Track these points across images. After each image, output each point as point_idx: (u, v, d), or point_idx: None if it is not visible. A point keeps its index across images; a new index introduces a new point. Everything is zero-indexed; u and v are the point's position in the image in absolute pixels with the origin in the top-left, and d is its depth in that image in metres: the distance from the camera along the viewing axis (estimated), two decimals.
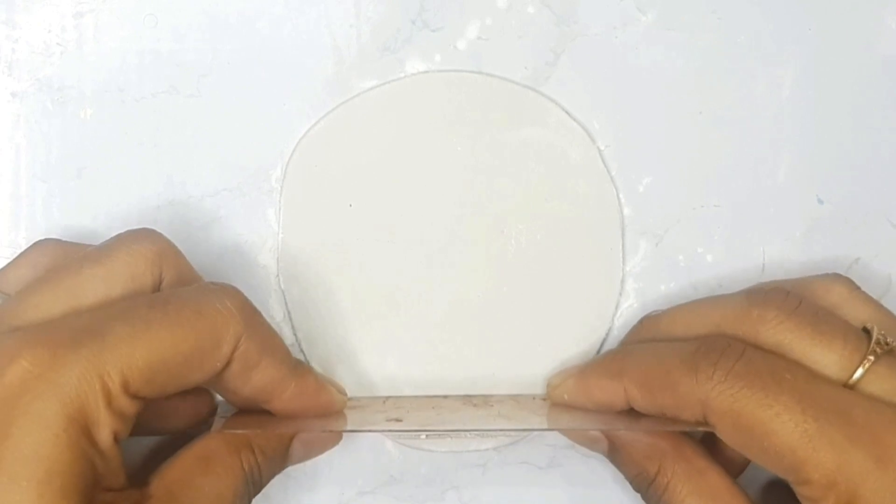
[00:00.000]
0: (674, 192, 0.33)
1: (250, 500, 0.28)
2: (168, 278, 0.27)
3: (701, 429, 0.27)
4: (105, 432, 0.24)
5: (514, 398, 0.32)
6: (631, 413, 0.29)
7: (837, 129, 0.33)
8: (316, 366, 0.32)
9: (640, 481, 0.29)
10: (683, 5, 0.33)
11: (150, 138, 0.32)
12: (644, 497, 0.30)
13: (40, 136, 0.32)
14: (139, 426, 0.26)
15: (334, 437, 0.31)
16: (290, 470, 0.32)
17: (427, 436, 0.32)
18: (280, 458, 0.29)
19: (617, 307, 0.33)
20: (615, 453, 0.30)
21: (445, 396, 0.32)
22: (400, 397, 0.32)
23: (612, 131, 0.33)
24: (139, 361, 0.24)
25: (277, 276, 0.32)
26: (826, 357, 0.27)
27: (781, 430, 0.25)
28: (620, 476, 0.32)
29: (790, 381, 0.26)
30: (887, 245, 0.33)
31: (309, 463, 0.32)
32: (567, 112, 0.33)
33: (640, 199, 0.33)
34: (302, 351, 0.32)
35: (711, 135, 0.33)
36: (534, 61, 0.33)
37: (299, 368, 0.28)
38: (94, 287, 0.26)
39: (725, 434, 0.27)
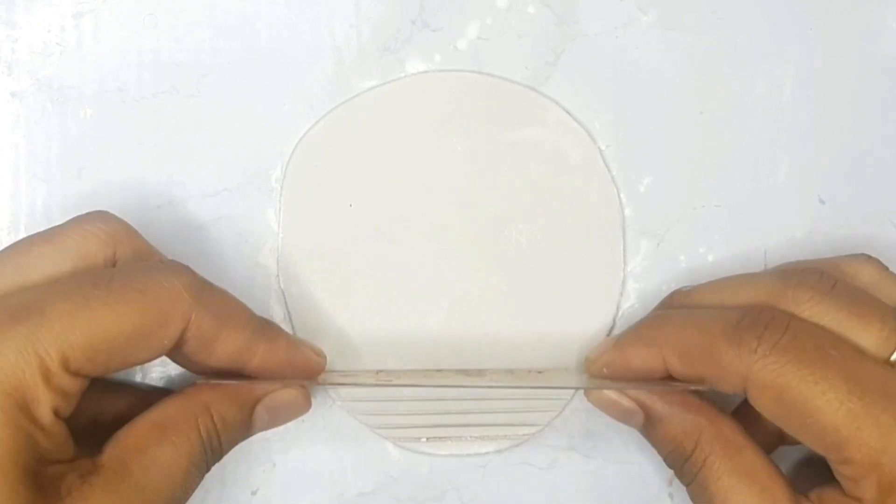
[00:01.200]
0: (674, 192, 0.33)
1: (209, 468, 0.28)
2: (123, 259, 0.27)
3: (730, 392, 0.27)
4: (44, 409, 0.24)
5: (510, 371, 0.32)
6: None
7: (837, 129, 0.33)
8: None
9: (676, 457, 0.29)
10: (684, 5, 0.33)
11: (150, 138, 0.32)
12: (678, 474, 0.29)
13: (40, 136, 0.32)
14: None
15: (302, 404, 0.30)
16: (290, 469, 0.32)
17: (428, 438, 0.32)
18: (242, 425, 0.28)
19: (618, 308, 0.33)
20: (650, 427, 0.29)
21: (439, 370, 0.32)
22: (392, 370, 0.32)
23: (613, 131, 0.33)
24: (79, 339, 0.24)
25: (277, 276, 0.32)
26: (864, 338, 0.26)
27: (826, 408, 0.25)
28: (621, 476, 0.32)
29: (836, 357, 0.25)
30: (888, 245, 0.33)
31: (308, 463, 0.32)
32: (567, 112, 0.33)
33: (640, 200, 0.33)
34: None
35: (712, 135, 0.33)
36: (534, 61, 0.33)
37: (267, 331, 0.28)
38: (42, 265, 0.26)
39: (765, 407, 0.26)
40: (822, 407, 0.25)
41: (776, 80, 0.33)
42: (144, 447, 0.26)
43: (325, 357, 0.30)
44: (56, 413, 0.24)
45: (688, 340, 0.28)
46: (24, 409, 0.24)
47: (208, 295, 0.26)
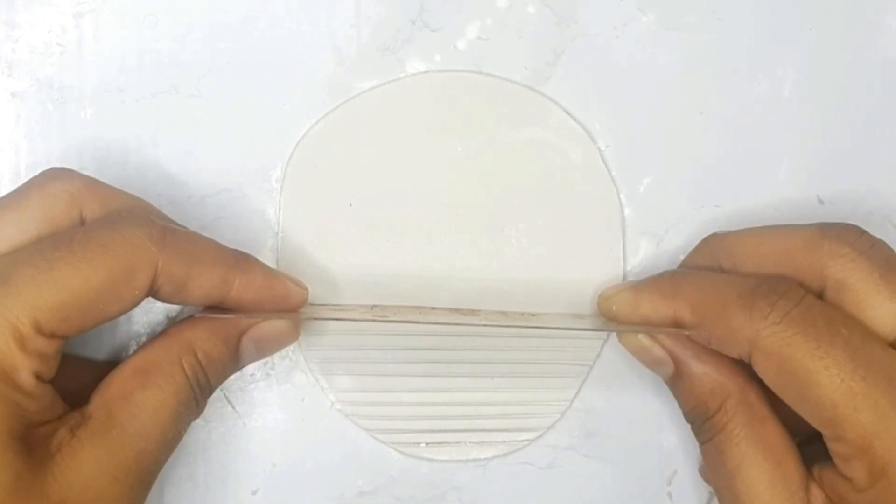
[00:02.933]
0: (674, 192, 0.33)
1: (199, 405, 0.28)
2: (91, 216, 0.27)
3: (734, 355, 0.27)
4: (25, 374, 0.24)
5: (503, 312, 0.32)
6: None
7: (837, 130, 0.33)
8: (315, 365, 0.32)
9: (697, 415, 0.29)
10: (684, 5, 0.33)
11: (150, 138, 0.32)
12: (696, 432, 0.29)
13: (40, 136, 0.32)
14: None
15: (290, 334, 0.30)
16: (290, 469, 0.32)
17: (427, 444, 0.32)
18: (229, 360, 0.29)
19: None
20: (678, 380, 0.29)
21: (434, 308, 0.32)
22: (387, 306, 0.32)
23: (613, 131, 0.33)
24: (48, 302, 0.24)
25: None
26: (885, 307, 0.26)
27: (827, 383, 0.25)
28: (621, 476, 0.32)
29: (845, 335, 0.25)
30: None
31: (309, 462, 0.32)
32: (567, 112, 0.33)
33: (640, 200, 0.33)
34: (301, 351, 0.32)
35: (711, 135, 0.33)
36: (534, 61, 0.33)
37: (242, 264, 0.28)
38: (8, 233, 0.26)
39: (767, 375, 0.27)
40: (822, 382, 0.25)
41: (776, 80, 0.33)
42: (129, 393, 0.26)
43: (307, 289, 0.30)
44: (38, 377, 0.25)
45: (703, 298, 0.28)
46: (4, 377, 0.24)
47: (172, 239, 0.26)
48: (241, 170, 0.32)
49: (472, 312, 0.32)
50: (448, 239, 0.32)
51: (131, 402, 0.26)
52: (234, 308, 0.28)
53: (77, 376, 0.27)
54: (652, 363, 0.30)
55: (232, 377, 0.32)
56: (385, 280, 0.32)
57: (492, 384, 0.32)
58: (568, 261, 0.32)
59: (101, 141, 0.32)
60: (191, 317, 0.28)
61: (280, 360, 0.32)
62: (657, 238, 0.33)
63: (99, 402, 0.26)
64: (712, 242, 0.31)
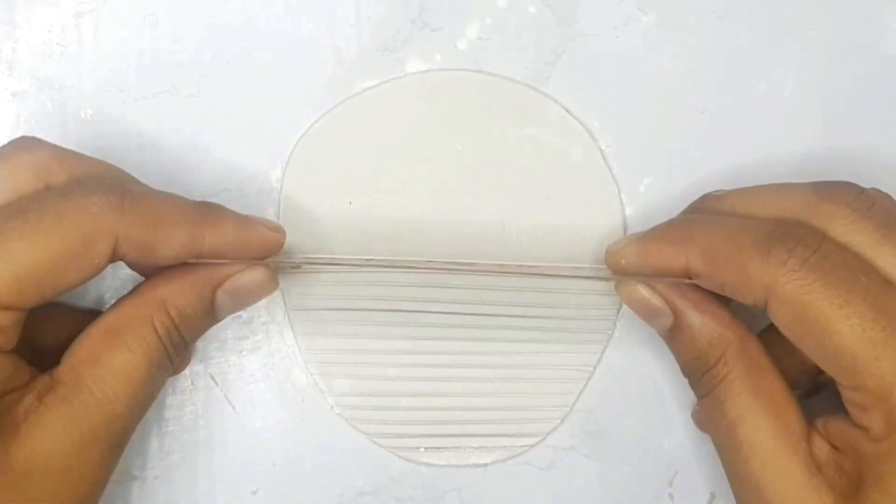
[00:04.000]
0: (674, 192, 0.33)
1: (174, 363, 0.28)
2: (59, 185, 0.26)
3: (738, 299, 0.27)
4: None
5: (500, 265, 0.31)
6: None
7: (837, 129, 0.33)
8: (314, 368, 0.32)
9: (696, 367, 0.28)
10: (684, 5, 0.33)
11: (150, 138, 0.32)
12: (694, 384, 0.29)
13: (40, 136, 0.31)
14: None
15: (267, 284, 0.29)
16: (290, 469, 0.32)
17: (426, 448, 0.32)
18: (204, 314, 0.28)
19: (619, 308, 0.33)
20: (676, 332, 0.29)
21: (428, 261, 0.32)
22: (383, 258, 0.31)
23: (613, 131, 0.33)
24: (2, 275, 0.24)
25: (277, 275, 0.32)
26: (892, 264, 0.26)
27: (847, 332, 0.25)
28: (621, 477, 0.32)
29: (864, 283, 0.25)
30: None
31: (309, 462, 0.32)
32: (568, 110, 0.33)
33: (640, 200, 0.33)
34: (300, 352, 0.32)
35: (712, 135, 0.33)
36: (534, 61, 0.33)
37: (210, 216, 0.27)
38: None
39: (783, 322, 0.26)
40: (843, 331, 0.25)
41: (776, 80, 0.33)
42: (98, 356, 0.26)
43: (283, 232, 0.29)
44: None
45: (716, 244, 0.27)
46: None
47: (132, 204, 0.25)
48: (241, 170, 0.32)
49: (470, 267, 0.31)
50: (448, 237, 0.32)
51: (100, 364, 0.25)
52: (211, 260, 0.27)
53: (57, 329, 0.27)
54: (650, 315, 0.29)
55: (232, 378, 0.32)
56: (385, 278, 0.32)
57: (491, 389, 0.32)
58: (569, 260, 0.32)
59: (101, 141, 0.32)
60: (164, 271, 0.27)
61: (281, 361, 0.32)
62: None
63: (67, 366, 0.26)
64: (708, 202, 0.30)
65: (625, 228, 0.33)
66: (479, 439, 0.32)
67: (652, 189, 0.33)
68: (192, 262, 0.27)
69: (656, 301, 0.29)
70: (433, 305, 0.32)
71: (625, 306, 0.32)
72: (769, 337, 0.28)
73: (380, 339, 0.32)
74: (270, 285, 0.29)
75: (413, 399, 0.32)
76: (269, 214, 0.32)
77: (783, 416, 0.27)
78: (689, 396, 0.32)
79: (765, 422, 0.27)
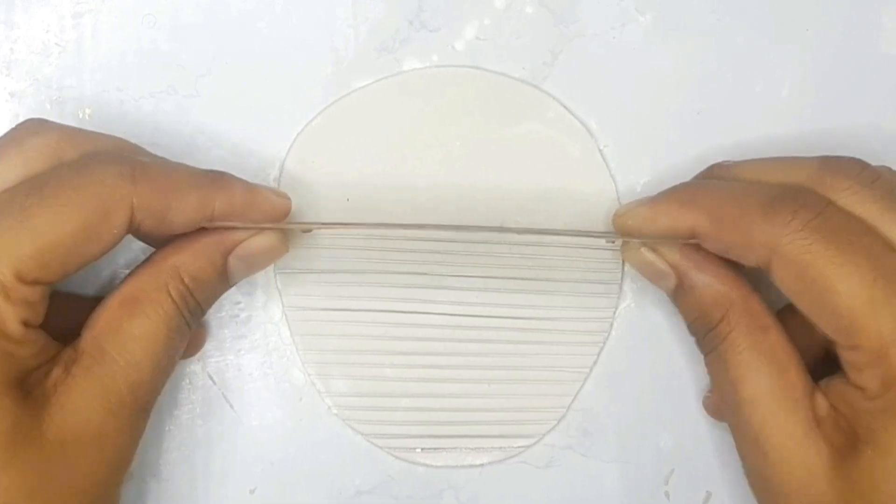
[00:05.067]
0: None
1: (192, 328, 0.28)
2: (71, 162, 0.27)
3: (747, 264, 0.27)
4: (12, 323, 0.25)
5: (504, 227, 0.32)
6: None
7: (836, 130, 0.33)
8: (311, 368, 0.32)
9: (700, 326, 0.29)
10: (682, 6, 0.33)
11: (150, 138, 0.32)
12: (699, 343, 0.29)
13: None
14: None
15: (278, 248, 0.29)
16: (288, 468, 0.32)
17: (422, 449, 0.32)
18: (218, 280, 0.28)
19: (616, 308, 0.33)
20: (681, 292, 0.29)
21: (437, 224, 0.32)
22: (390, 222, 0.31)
23: (611, 131, 0.33)
24: (26, 250, 0.24)
25: (275, 275, 0.32)
26: (893, 233, 0.26)
27: (846, 291, 0.25)
28: (618, 475, 0.32)
29: (866, 244, 0.25)
30: None
31: (307, 461, 0.32)
32: (565, 106, 0.33)
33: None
34: (298, 353, 0.32)
35: (710, 135, 0.33)
36: (532, 61, 0.33)
37: (219, 182, 0.28)
38: None
39: (785, 283, 0.26)
40: (842, 290, 0.25)
41: (775, 80, 0.33)
42: (117, 325, 0.26)
43: (289, 199, 0.29)
44: (25, 324, 0.25)
45: (722, 206, 0.28)
46: None
47: (143, 173, 0.26)
48: (240, 169, 0.32)
49: (476, 228, 0.31)
50: (446, 234, 0.32)
51: (121, 333, 0.26)
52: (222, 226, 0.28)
53: (71, 313, 0.27)
54: (655, 277, 0.30)
55: (230, 376, 0.32)
56: (383, 280, 0.32)
57: (488, 390, 0.32)
58: (566, 259, 0.32)
59: None
60: (175, 240, 0.28)
61: (278, 360, 0.32)
62: None
63: (89, 337, 0.26)
64: (717, 171, 0.31)
65: None
66: (475, 440, 0.32)
67: (649, 188, 0.33)
68: (204, 227, 0.28)
69: (661, 264, 0.29)
70: (431, 307, 0.32)
71: (620, 306, 0.33)
72: (783, 315, 0.28)
73: (377, 339, 0.32)
74: (281, 249, 0.30)
75: (410, 400, 0.32)
76: None
77: (785, 374, 0.27)
78: (686, 396, 0.33)
79: (766, 379, 0.27)
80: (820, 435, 0.26)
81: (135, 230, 0.26)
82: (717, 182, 0.30)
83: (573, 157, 0.33)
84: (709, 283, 0.28)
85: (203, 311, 0.29)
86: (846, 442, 0.26)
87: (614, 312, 0.33)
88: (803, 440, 0.26)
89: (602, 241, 0.32)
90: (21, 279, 0.25)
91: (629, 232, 0.30)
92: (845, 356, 0.26)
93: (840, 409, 0.27)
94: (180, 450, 0.32)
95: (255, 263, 0.29)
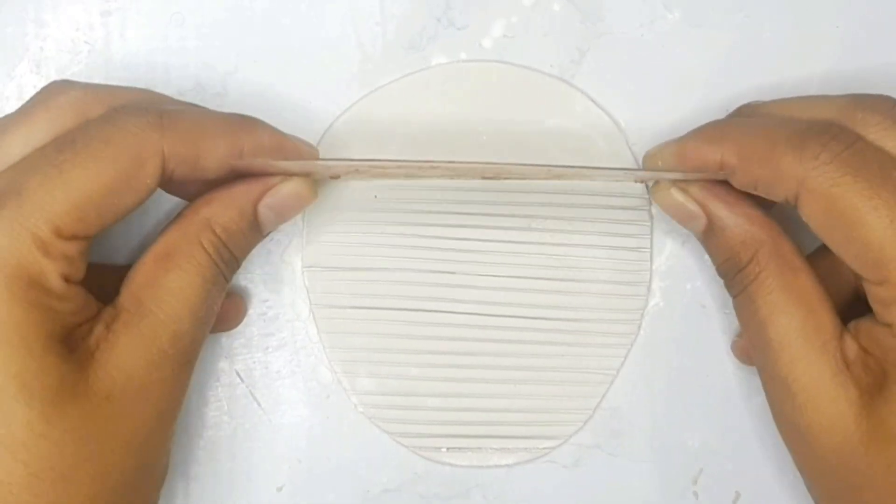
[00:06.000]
0: None
1: (228, 279, 0.29)
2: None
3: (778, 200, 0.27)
4: (53, 278, 0.25)
5: (537, 166, 0.31)
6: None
7: None
8: (338, 366, 0.32)
9: (730, 267, 0.29)
10: (710, 3, 0.33)
11: None
12: (728, 284, 0.29)
13: None
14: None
15: (306, 194, 0.29)
16: (315, 466, 0.32)
17: (448, 448, 0.32)
18: (249, 230, 0.29)
19: (644, 308, 0.33)
20: (710, 234, 0.29)
21: (468, 162, 0.31)
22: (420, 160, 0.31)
23: (639, 129, 0.33)
24: (62, 206, 0.25)
25: (302, 273, 0.32)
26: None
27: (876, 224, 0.25)
28: (646, 475, 0.32)
29: None
30: None
31: (334, 459, 0.32)
32: (593, 101, 0.32)
33: None
34: (324, 349, 0.32)
35: None
36: (559, 59, 0.33)
37: (248, 126, 0.28)
38: (18, 150, 0.26)
39: (813, 217, 0.26)
40: (871, 223, 0.25)
41: (803, 77, 0.33)
42: (154, 280, 0.27)
43: (316, 148, 0.30)
44: (66, 279, 0.25)
45: (751, 141, 0.27)
46: (34, 284, 0.24)
47: (171, 121, 0.26)
48: None
49: (504, 170, 0.31)
50: (474, 233, 0.32)
51: (158, 287, 0.27)
52: (253, 171, 0.28)
53: (107, 281, 0.28)
54: (685, 218, 0.30)
55: (258, 374, 0.32)
56: (410, 277, 0.32)
57: (514, 390, 0.32)
58: (595, 258, 0.32)
59: None
60: (204, 194, 0.28)
61: (306, 358, 0.32)
62: (682, 237, 0.33)
63: (127, 294, 0.27)
64: (745, 110, 0.31)
65: (651, 224, 0.32)
66: (501, 441, 0.32)
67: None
68: (235, 177, 0.28)
69: (690, 204, 0.29)
70: (457, 306, 0.32)
71: (650, 303, 0.32)
72: (812, 259, 0.28)
73: (403, 338, 0.32)
74: (310, 195, 0.30)
75: (435, 399, 0.32)
76: None
77: (814, 315, 0.27)
78: (715, 395, 0.32)
79: (795, 320, 0.27)
80: (849, 376, 0.26)
81: (168, 178, 0.27)
82: (747, 119, 0.30)
83: (602, 153, 0.32)
84: (739, 223, 0.28)
85: (238, 262, 0.29)
86: (875, 382, 0.26)
87: (642, 312, 0.33)
88: (832, 381, 0.26)
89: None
90: (60, 234, 0.25)
91: (658, 170, 0.30)
92: (873, 292, 0.26)
93: (869, 350, 0.27)
94: (207, 448, 0.32)
95: (285, 211, 0.29)
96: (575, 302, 0.32)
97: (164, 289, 0.27)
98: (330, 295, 0.32)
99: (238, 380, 0.32)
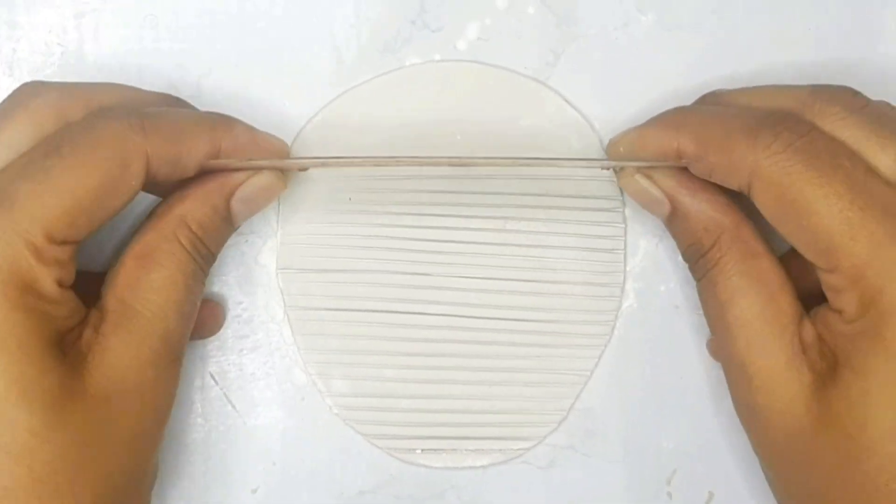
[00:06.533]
0: None
1: (206, 273, 0.29)
2: (78, 119, 0.27)
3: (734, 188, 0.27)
4: (47, 283, 0.25)
5: (503, 158, 0.31)
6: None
7: None
8: (312, 368, 0.32)
9: (693, 251, 0.29)
10: (684, 6, 0.33)
11: None
12: (692, 269, 0.30)
13: None
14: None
15: (276, 185, 0.30)
16: (290, 468, 0.32)
17: (423, 450, 0.32)
18: (222, 223, 0.29)
19: (618, 309, 0.33)
20: (675, 219, 0.30)
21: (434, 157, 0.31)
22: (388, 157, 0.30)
23: (612, 130, 0.32)
24: (53, 211, 0.25)
25: (276, 275, 0.32)
26: (880, 160, 0.26)
27: (825, 212, 0.25)
28: (620, 476, 0.32)
29: (847, 168, 0.26)
30: None
31: (308, 461, 0.32)
32: (566, 100, 0.33)
33: None
34: (299, 351, 0.32)
35: None
36: (534, 62, 0.33)
37: (221, 123, 0.29)
38: (1, 155, 0.26)
39: (766, 206, 0.27)
40: (821, 211, 0.25)
41: (775, 79, 0.33)
42: (136, 280, 0.27)
43: (285, 142, 0.30)
44: (59, 283, 0.25)
45: (707, 129, 0.28)
46: (29, 290, 0.25)
47: (152, 123, 0.27)
48: None
49: (470, 161, 0.31)
50: (448, 234, 0.32)
51: (141, 287, 0.27)
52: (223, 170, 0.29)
53: (87, 287, 0.28)
54: (649, 204, 0.30)
55: (232, 376, 0.32)
56: (384, 279, 0.32)
57: (489, 392, 0.32)
58: (569, 261, 0.32)
59: None
60: (176, 191, 0.28)
61: (280, 360, 0.32)
62: (656, 238, 0.33)
63: (111, 296, 0.27)
64: (709, 98, 0.31)
65: (625, 226, 0.33)
66: (475, 442, 0.32)
67: None
68: (205, 173, 0.28)
69: (654, 190, 0.30)
70: (432, 307, 0.32)
71: (623, 305, 0.33)
72: (785, 259, 0.29)
73: (378, 340, 0.32)
74: (279, 186, 0.30)
75: (410, 401, 0.32)
76: (270, 214, 0.32)
77: (773, 300, 0.27)
78: (689, 396, 0.33)
79: (754, 304, 0.27)
80: (804, 361, 0.27)
81: (152, 179, 0.27)
82: (706, 107, 0.30)
83: (575, 153, 0.32)
84: (702, 209, 0.29)
85: (213, 256, 0.29)
86: (828, 368, 0.26)
87: (616, 314, 0.33)
88: (787, 365, 0.27)
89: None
90: (52, 240, 0.25)
91: (620, 157, 0.30)
92: (825, 280, 0.26)
93: (824, 337, 0.27)
94: (182, 450, 0.32)
95: (257, 203, 0.30)
96: (549, 303, 0.32)
97: (147, 288, 0.27)
98: (304, 297, 0.32)
99: (212, 382, 0.32)
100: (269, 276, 0.32)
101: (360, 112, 0.32)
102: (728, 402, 0.31)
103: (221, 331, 0.32)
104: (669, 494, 0.33)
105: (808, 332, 0.27)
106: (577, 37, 0.33)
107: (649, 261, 0.33)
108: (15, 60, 0.32)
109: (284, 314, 0.32)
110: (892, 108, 0.28)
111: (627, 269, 0.33)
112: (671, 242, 0.32)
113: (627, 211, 0.33)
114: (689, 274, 0.31)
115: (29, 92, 0.28)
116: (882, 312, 0.25)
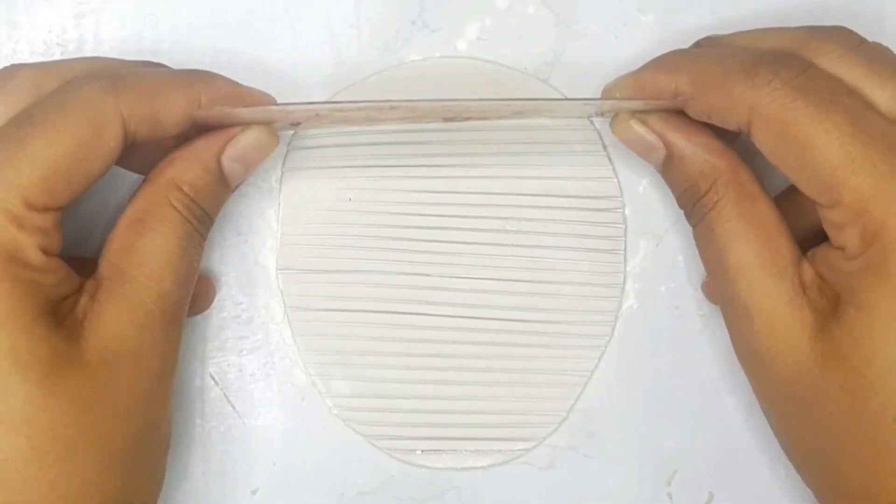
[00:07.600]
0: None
1: (204, 236, 0.29)
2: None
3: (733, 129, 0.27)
4: (31, 251, 0.25)
5: (497, 101, 0.31)
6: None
7: None
8: (312, 368, 0.32)
9: (689, 196, 0.29)
10: (684, 6, 0.33)
11: None
12: (688, 214, 0.29)
13: None
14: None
15: (268, 140, 0.29)
16: (290, 468, 0.32)
17: (423, 451, 0.32)
18: (216, 184, 0.29)
19: (618, 310, 0.33)
20: (670, 164, 0.29)
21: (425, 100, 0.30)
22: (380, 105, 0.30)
23: (611, 132, 0.33)
24: (29, 178, 0.25)
25: (276, 275, 0.32)
26: (878, 95, 0.26)
27: (826, 147, 0.25)
28: (620, 476, 0.32)
29: (847, 103, 0.26)
30: None
31: (308, 462, 0.32)
32: (568, 98, 0.33)
33: (640, 200, 0.33)
34: (299, 351, 0.32)
35: None
36: (533, 61, 0.33)
37: (201, 77, 0.28)
38: None
39: (765, 143, 0.27)
40: (822, 146, 0.25)
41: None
42: (129, 245, 0.27)
43: (273, 97, 0.30)
44: (45, 251, 0.25)
45: (705, 69, 0.28)
46: (12, 259, 0.25)
47: (124, 83, 0.26)
48: None
49: (463, 108, 0.30)
50: (449, 234, 0.32)
51: (134, 251, 0.27)
52: (213, 123, 0.28)
53: (86, 272, 0.28)
54: (645, 150, 0.30)
55: (232, 377, 0.32)
56: (385, 279, 0.32)
57: (489, 392, 0.32)
58: (569, 261, 0.32)
59: None
60: (166, 156, 0.28)
61: (280, 361, 0.32)
62: (657, 238, 0.33)
63: (106, 263, 0.27)
64: (705, 42, 0.31)
65: (626, 225, 0.33)
66: (476, 443, 0.32)
67: (650, 189, 0.33)
68: (196, 136, 0.28)
69: (649, 135, 0.29)
70: (432, 308, 0.32)
71: (623, 305, 0.33)
72: (780, 200, 0.29)
73: (378, 340, 0.32)
74: (272, 142, 0.30)
75: (410, 401, 0.32)
76: (270, 215, 0.32)
77: (772, 242, 0.27)
78: (689, 397, 0.33)
79: (752, 246, 0.27)
80: (805, 301, 0.27)
81: (132, 140, 0.27)
82: (702, 49, 0.30)
83: (575, 148, 0.32)
84: (697, 153, 0.29)
85: (211, 219, 0.29)
86: (830, 306, 0.26)
87: (616, 314, 0.33)
88: (788, 306, 0.27)
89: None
90: (31, 207, 0.25)
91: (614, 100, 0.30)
92: (826, 216, 0.26)
93: (824, 275, 0.27)
94: (181, 450, 0.32)
95: (249, 161, 0.29)
96: (549, 304, 0.32)
97: (140, 252, 0.27)
98: (304, 297, 0.32)
99: (212, 382, 0.32)
100: (268, 277, 0.32)
101: None
102: (729, 402, 0.31)
103: (221, 331, 0.32)
104: (669, 495, 0.33)
105: (808, 272, 0.27)
106: (577, 36, 0.33)
107: (649, 261, 0.33)
108: (15, 60, 0.32)
109: (284, 315, 0.32)
110: (887, 48, 0.28)
111: (627, 269, 0.33)
112: (672, 242, 0.33)
113: (627, 211, 0.33)
114: (689, 274, 0.31)
115: (6, 75, 0.28)
116: (885, 246, 0.25)
